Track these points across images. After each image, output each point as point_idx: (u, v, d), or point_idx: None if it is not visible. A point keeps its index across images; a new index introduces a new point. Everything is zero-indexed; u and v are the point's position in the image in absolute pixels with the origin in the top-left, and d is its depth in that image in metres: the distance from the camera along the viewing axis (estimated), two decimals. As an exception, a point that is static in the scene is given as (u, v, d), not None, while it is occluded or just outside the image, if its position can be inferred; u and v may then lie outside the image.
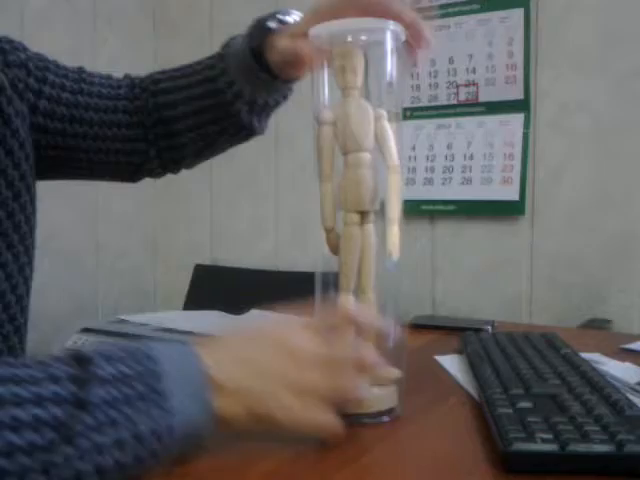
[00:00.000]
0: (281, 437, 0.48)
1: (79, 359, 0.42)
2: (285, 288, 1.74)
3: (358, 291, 0.61)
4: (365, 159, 0.60)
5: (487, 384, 0.63)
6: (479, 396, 0.63)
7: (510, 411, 0.54)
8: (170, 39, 2.08)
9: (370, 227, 0.61)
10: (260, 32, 0.72)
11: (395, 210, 0.60)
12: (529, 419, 0.51)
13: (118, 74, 0.82)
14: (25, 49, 0.74)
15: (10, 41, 0.73)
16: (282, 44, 0.69)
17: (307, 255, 1.78)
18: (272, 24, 0.72)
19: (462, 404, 0.64)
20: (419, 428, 0.57)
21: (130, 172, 0.82)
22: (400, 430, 0.56)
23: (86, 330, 1.47)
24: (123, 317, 1.56)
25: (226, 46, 0.76)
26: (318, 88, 0.64)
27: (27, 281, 0.70)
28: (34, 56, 0.75)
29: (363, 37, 0.61)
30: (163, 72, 0.81)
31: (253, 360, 0.48)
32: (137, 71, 0.82)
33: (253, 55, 0.71)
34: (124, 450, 0.40)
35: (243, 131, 0.79)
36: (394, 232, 0.60)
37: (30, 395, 0.38)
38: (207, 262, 2.02)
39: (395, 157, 0.61)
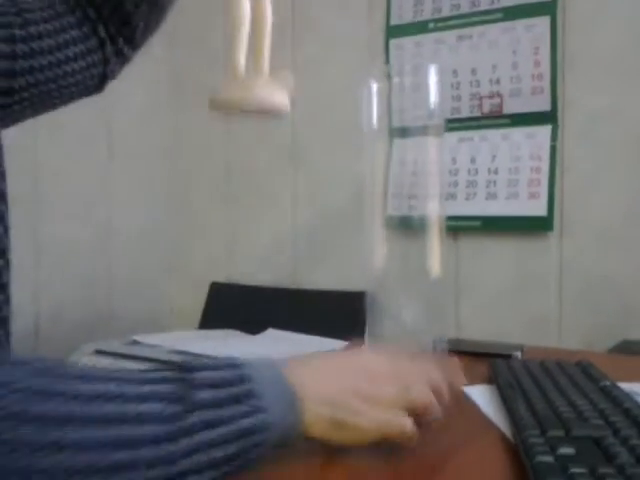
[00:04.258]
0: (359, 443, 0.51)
1: (179, 368, 0.45)
2: (303, 306, 1.70)
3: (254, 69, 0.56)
4: None
5: (522, 423, 0.57)
6: (514, 437, 0.57)
7: (551, 459, 0.48)
8: (185, 53, 2.05)
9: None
10: None
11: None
12: (573, 470, 0.45)
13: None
14: None
15: None
16: None
17: (326, 272, 1.74)
18: None
19: (494, 446, 0.58)
20: (449, 474, 0.51)
21: (94, 82, 0.76)
22: (429, 476, 0.50)
23: (99, 352, 1.43)
24: (136, 338, 1.53)
25: None
26: None
27: (8, 264, 0.64)
28: None
29: None
30: None
31: (331, 376, 0.52)
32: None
33: None
34: (228, 446, 0.43)
35: None
36: None
37: (135, 393, 0.40)
38: (223, 279, 1.98)
39: None
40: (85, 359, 1.41)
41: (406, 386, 0.53)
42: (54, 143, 1.74)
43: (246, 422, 0.44)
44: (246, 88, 0.55)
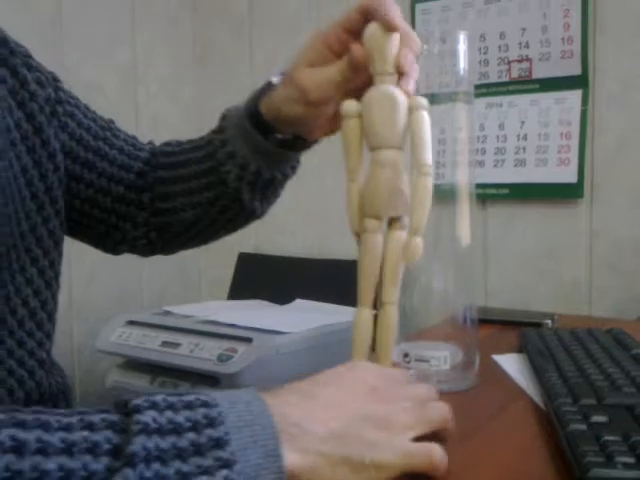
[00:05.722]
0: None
1: (123, 407, 0.37)
2: (330, 277, 1.70)
3: (379, 305, 0.56)
4: (389, 157, 0.54)
5: (554, 391, 0.57)
6: (545, 405, 0.58)
7: (584, 427, 0.48)
8: (209, 21, 2.04)
9: (398, 235, 0.55)
10: (259, 88, 0.67)
11: (418, 219, 0.53)
12: (606, 438, 0.46)
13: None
14: (57, 80, 0.71)
15: (47, 72, 0.70)
16: (278, 94, 0.64)
17: (354, 242, 1.73)
18: (274, 79, 0.66)
19: (526, 413, 0.58)
20: (481, 443, 0.52)
21: (115, 239, 0.78)
22: (460, 445, 0.51)
23: (131, 323, 1.46)
24: (168, 308, 1.55)
25: (224, 118, 0.71)
26: None
27: (50, 287, 0.66)
28: (67, 90, 0.72)
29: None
30: (169, 144, 0.78)
31: (332, 401, 0.42)
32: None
33: (250, 116, 0.66)
34: None
35: (242, 212, 0.75)
36: (415, 243, 0.54)
37: (61, 445, 0.33)
38: (251, 250, 1.99)
39: (427, 156, 0.54)
40: (118, 330, 1.44)
41: (420, 401, 0.46)
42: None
43: None
44: None
